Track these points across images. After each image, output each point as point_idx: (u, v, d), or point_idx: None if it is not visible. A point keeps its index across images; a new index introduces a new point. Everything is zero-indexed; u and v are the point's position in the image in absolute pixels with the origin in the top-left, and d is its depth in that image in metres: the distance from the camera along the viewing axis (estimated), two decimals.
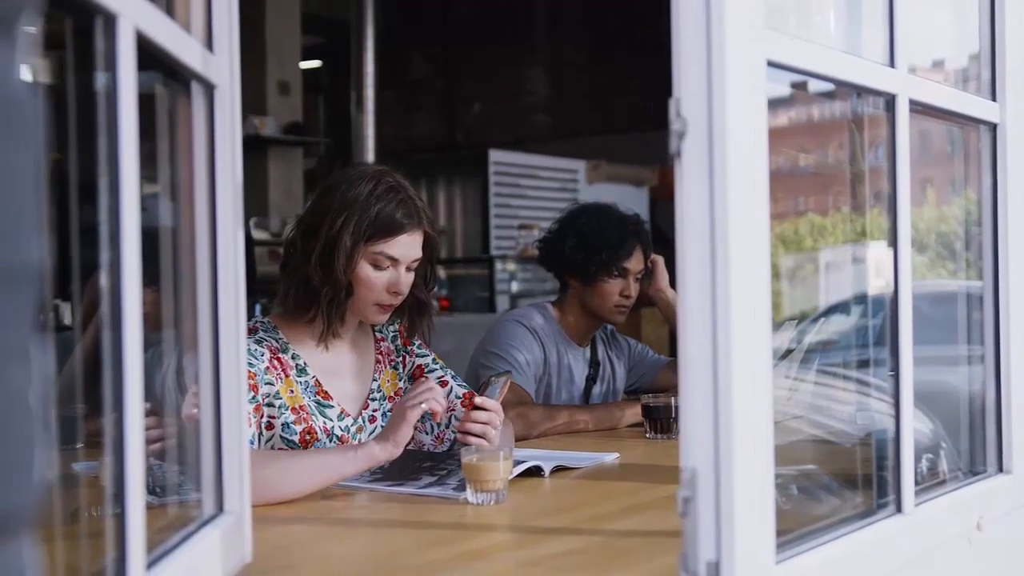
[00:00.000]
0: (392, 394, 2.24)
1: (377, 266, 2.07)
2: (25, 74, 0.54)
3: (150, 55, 1.05)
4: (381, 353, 2.26)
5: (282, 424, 2.03)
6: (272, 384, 2.03)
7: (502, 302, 7.24)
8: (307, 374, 2.10)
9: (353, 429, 2.14)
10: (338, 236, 2.03)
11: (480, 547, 1.56)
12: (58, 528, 1.05)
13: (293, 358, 2.10)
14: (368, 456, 1.87)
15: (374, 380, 2.22)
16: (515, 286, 7.44)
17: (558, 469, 2.08)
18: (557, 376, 2.91)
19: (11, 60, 0.52)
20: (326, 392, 2.12)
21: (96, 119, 0.96)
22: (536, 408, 2.72)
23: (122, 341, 0.95)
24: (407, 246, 2.08)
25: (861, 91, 1.48)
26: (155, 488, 1.28)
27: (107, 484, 1.20)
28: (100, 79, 0.96)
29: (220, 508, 1.30)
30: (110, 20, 0.94)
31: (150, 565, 1.02)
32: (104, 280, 0.95)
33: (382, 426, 2.16)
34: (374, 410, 2.20)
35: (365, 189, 2.05)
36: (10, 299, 0.52)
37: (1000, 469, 1.71)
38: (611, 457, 2.25)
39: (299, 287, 2.08)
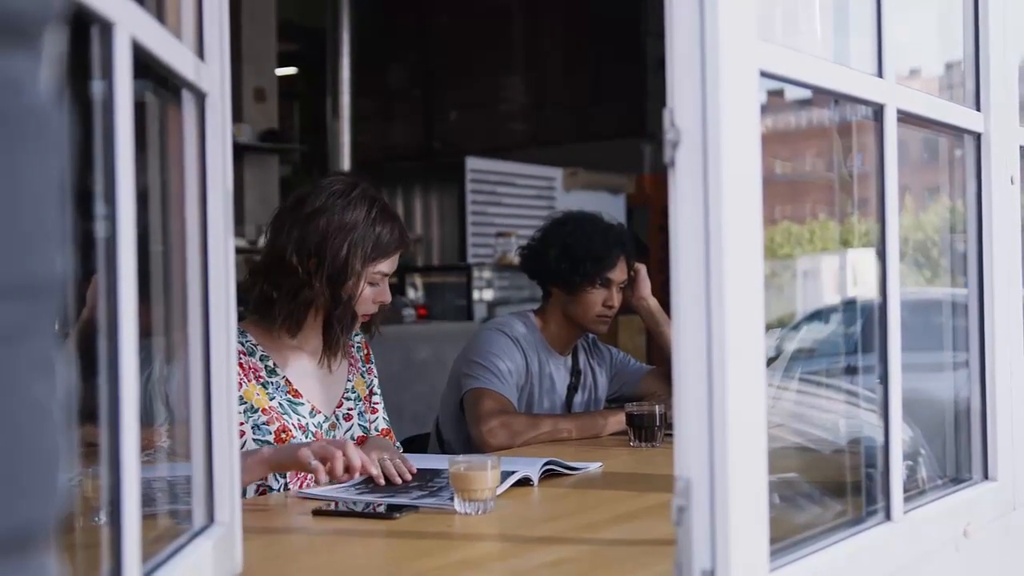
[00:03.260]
0: (363, 397, 2.33)
1: (372, 283, 2.19)
2: (48, 86, 0.54)
3: (143, 63, 1.04)
4: (353, 357, 2.35)
5: (253, 426, 2.08)
6: None
7: (480, 310, 7.22)
8: (277, 375, 2.17)
9: (326, 426, 2.21)
10: (347, 261, 2.13)
11: (471, 557, 1.56)
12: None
13: (262, 360, 2.16)
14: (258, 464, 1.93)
15: (348, 380, 2.31)
16: (493, 294, 7.43)
17: (548, 473, 2.08)
18: (539, 385, 2.91)
19: (35, 72, 0.52)
20: (296, 391, 2.18)
21: (89, 126, 0.95)
22: (519, 417, 2.72)
23: (118, 351, 0.94)
24: (396, 261, 2.23)
25: (850, 101, 1.48)
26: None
27: (91, 494, 1.18)
28: (95, 87, 0.95)
29: (211, 519, 1.29)
30: (106, 28, 0.93)
31: None
32: (101, 287, 0.94)
33: (359, 424, 2.28)
34: (349, 408, 2.28)
35: (361, 213, 2.15)
36: (35, 311, 0.52)
37: (985, 476, 1.72)
38: (594, 467, 2.25)
39: (301, 305, 2.14)
